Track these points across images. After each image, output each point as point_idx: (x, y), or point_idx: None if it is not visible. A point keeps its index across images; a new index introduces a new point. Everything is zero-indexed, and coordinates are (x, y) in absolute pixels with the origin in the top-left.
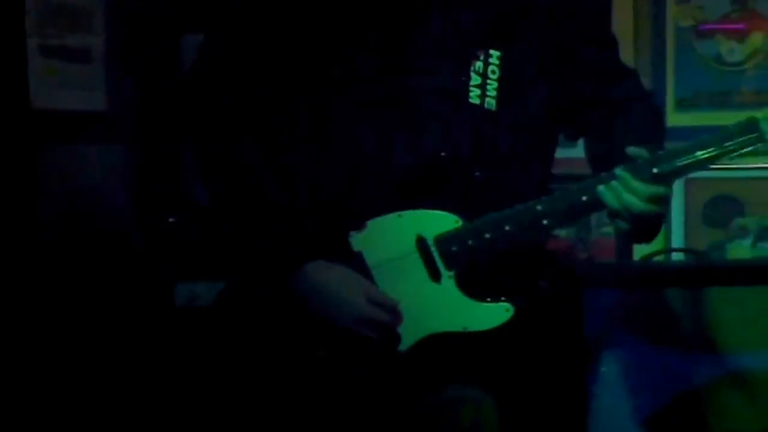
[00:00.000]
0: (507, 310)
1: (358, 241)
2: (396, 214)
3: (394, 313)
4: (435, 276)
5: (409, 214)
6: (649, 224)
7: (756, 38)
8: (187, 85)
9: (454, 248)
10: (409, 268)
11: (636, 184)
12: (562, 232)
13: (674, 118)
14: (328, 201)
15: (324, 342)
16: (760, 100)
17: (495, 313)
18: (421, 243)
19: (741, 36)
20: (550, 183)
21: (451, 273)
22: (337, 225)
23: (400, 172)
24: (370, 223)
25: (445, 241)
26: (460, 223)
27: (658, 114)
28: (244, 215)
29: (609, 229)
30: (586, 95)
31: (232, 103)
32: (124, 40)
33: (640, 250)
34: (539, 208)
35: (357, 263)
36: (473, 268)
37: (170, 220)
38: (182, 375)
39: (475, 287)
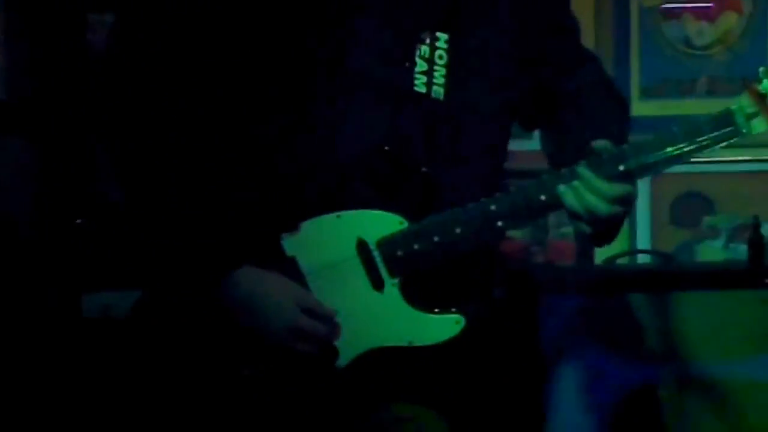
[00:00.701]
0: (457, 322)
1: (291, 244)
2: (334, 214)
3: (330, 324)
4: (377, 284)
5: (348, 215)
6: (611, 225)
7: (728, 18)
8: (99, 72)
9: (398, 252)
10: (349, 274)
11: (599, 183)
12: (516, 233)
13: (639, 107)
14: (258, 201)
15: (252, 358)
16: (731, 89)
17: (444, 326)
18: (362, 247)
19: (711, 16)
20: (504, 179)
21: (395, 280)
22: (268, 227)
23: (338, 169)
24: (304, 224)
25: (388, 244)
26: (405, 224)
27: (623, 103)
28: (164, 216)
29: (568, 230)
30: (543, 83)
31: (150, 95)
32: (23, 20)
33: (602, 253)
34: (493, 207)
35: (290, 269)
36: (420, 274)
37: (78, 221)
38: (91, 395)
39: (421, 296)
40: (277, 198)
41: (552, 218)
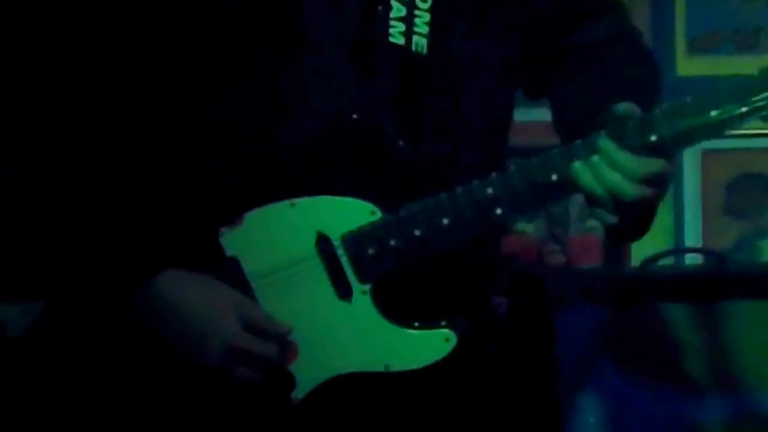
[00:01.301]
0: (447, 340)
1: (231, 241)
2: (287, 202)
3: (283, 344)
4: (343, 291)
5: (304, 203)
6: (642, 212)
7: None
8: None
9: (369, 251)
10: (307, 280)
11: (623, 158)
12: (527, 227)
13: (684, 65)
14: (188, 187)
15: (178, 387)
16: None
17: (430, 345)
18: (324, 243)
19: None
20: (505, 157)
21: (366, 287)
22: (201, 219)
23: (291, 144)
24: (248, 216)
25: (357, 240)
26: (378, 214)
27: (651, 60)
28: (64, 211)
29: (595, 223)
30: (552, 37)
31: (45, 73)
32: None
33: (638, 253)
34: (490, 191)
35: (230, 272)
36: (397, 279)
37: None
38: None
39: (400, 307)
40: (212, 184)
41: (574, 208)
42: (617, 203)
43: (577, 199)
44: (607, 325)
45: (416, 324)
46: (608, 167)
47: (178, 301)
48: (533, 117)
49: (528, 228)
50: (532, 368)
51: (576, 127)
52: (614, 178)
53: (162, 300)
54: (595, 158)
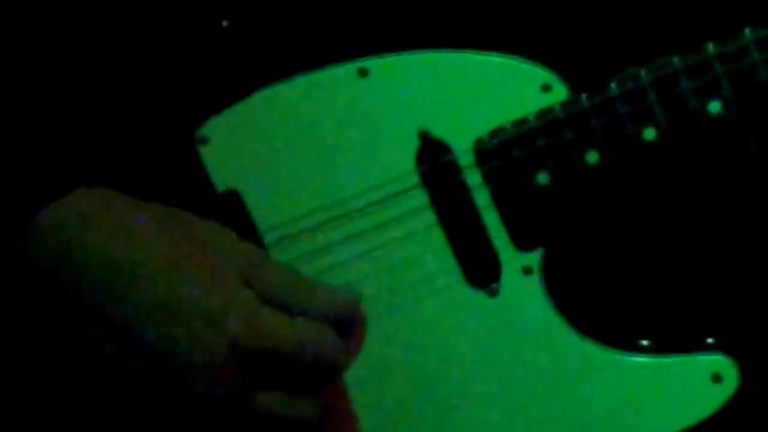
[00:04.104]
0: (717, 377)
1: (220, 155)
2: (351, 65)
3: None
4: (479, 269)
5: (392, 68)
6: None
7: None
8: None
9: (542, 179)
10: (393, 241)
11: None
12: None
13: None
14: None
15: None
16: None
17: (685, 387)
18: (435, 160)
19: None
20: None
21: (532, 259)
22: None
23: None
24: (251, 101)
25: (513, 152)
26: (562, 92)
27: None
28: None
29: None
30: None
31: None
32: None
33: None
34: None
35: (222, 219)
36: (599, 249)
37: None
38: None
39: (603, 308)
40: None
41: None
42: None
43: None
44: None
45: (645, 344)
46: None
47: (103, 245)
48: None
49: None
50: None
51: None
52: None
53: (68, 245)
54: None
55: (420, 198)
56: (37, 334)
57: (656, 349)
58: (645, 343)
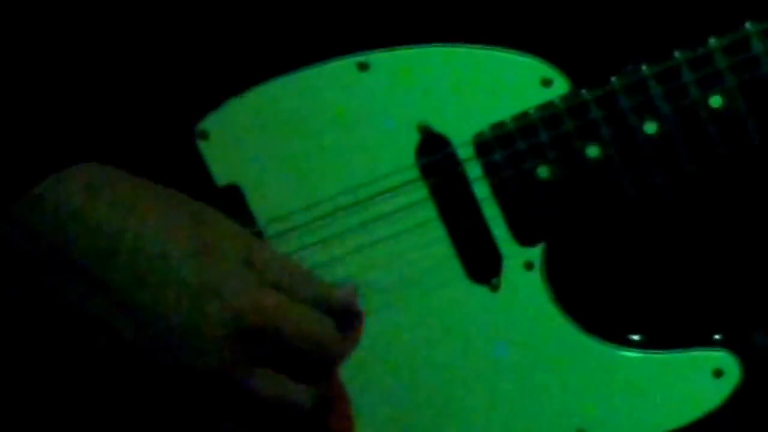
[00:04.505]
0: (719, 373)
1: (216, 149)
2: (350, 59)
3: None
4: (480, 264)
5: (392, 62)
6: None
7: None
8: None
9: (543, 171)
10: (392, 236)
11: None
12: None
13: None
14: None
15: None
16: None
17: (686, 384)
18: (436, 153)
19: None
20: None
21: (533, 254)
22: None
23: None
24: (249, 95)
25: (513, 146)
26: (563, 85)
27: None
28: None
29: None
30: None
31: None
32: None
33: None
34: None
35: (211, 198)
36: (600, 244)
37: None
38: None
39: (604, 304)
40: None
41: None
42: None
43: None
44: None
45: (637, 338)
46: None
47: (98, 221)
48: None
49: None
50: None
51: None
52: None
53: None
54: None
55: (420, 191)
56: (33, 305)
57: (658, 345)
58: (647, 338)
